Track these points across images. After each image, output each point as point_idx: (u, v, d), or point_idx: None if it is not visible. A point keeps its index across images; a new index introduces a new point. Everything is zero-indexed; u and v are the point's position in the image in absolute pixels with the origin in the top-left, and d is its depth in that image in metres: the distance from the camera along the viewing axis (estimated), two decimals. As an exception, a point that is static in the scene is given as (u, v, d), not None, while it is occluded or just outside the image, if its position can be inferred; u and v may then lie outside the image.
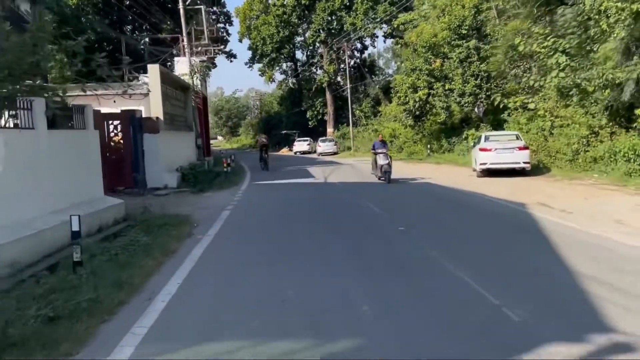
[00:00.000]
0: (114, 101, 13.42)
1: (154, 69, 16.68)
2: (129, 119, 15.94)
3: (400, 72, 38.30)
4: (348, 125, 51.97)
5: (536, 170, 18.83)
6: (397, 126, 37.09)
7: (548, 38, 20.59)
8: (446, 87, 28.49)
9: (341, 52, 52.80)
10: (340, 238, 8.57)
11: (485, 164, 18.40)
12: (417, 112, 30.41)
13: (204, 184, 17.54)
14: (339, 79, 54.52)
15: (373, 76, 58.14)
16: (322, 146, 42.36)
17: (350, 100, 43.21)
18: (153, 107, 16.73)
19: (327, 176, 21.17)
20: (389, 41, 61.10)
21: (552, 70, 20.66)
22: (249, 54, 59.83)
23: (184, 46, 23.87)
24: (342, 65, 54.88)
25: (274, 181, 19.51)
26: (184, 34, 23.95)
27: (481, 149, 18.62)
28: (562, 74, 19.94)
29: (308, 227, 9.88)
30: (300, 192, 15.93)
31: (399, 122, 34.19)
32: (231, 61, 58.36)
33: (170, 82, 19.21)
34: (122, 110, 16.11)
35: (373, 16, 46.24)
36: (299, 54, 65.28)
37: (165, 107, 18.07)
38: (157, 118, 16.56)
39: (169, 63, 28.50)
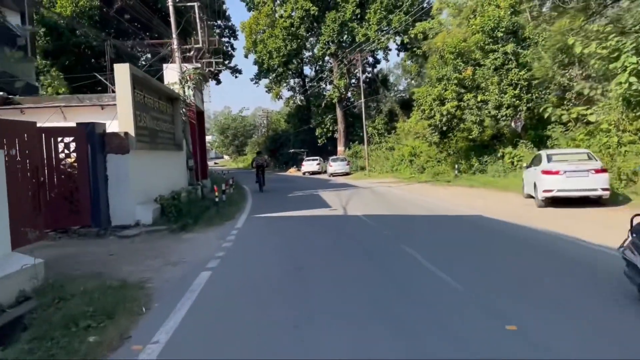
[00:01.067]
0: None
1: (122, 70, 12.56)
2: (86, 134, 11.74)
3: (424, 83, 34.19)
4: (360, 143, 47.87)
5: (611, 197, 14.41)
6: (417, 144, 32.81)
7: (610, 37, 16.45)
8: (478, 99, 24.24)
9: (352, 65, 48.86)
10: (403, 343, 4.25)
11: (551, 190, 14.02)
12: (444, 128, 26.13)
13: (188, 219, 13.27)
14: (349, 94, 50.52)
15: (386, 91, 54.12)
16: (334, 166, 38.10)
17: (364, 115, 39.01)
18: (122, 119, 12.54)
19: (345, 205, 16.83)
20: (400, 57, 57.33)
21: (617, 76, 16.52)
22: (256, 70, 56.34)
23: (173, 50, 19.80)
24: (352, 80, 50.98)
25: (280, 213, 15.18)
26: (174, 36, 19.90)
27: (545, 172, 14.23)
28: (632, 79, 15.78)
29: (336, 311, 5.54)
30: (315, 234, 11.56)
31: (421, 139, 29.88)
32: (236, 76, 54.77)
33: (149, 89, 15.06)
34: (77, 124, 11.93)
35: (386, 27, 42.29)
36: (307, 70, 61.53)
37: (142, 120, 13.90)
38: (126, 134, 12.37)
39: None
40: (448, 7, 34.39)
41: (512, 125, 24.68)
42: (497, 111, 23.55)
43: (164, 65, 20.63)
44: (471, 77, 24.26)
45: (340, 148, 48.72)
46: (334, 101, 48.17)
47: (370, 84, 53.82)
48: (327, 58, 56.53)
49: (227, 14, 52.02)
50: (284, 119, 66.69)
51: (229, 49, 54.02)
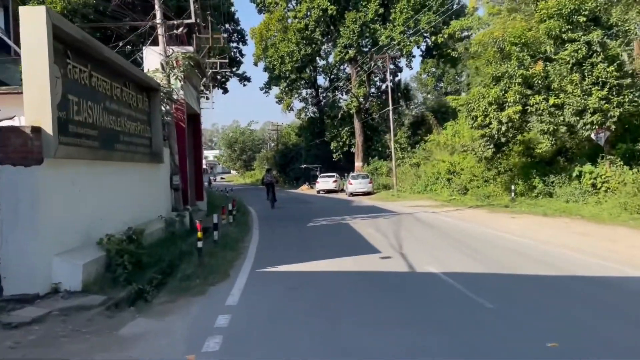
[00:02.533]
0: None
1: (32, 16, 6.92)
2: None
3: (474, 85, 28.50)
4: (381, 158, 42.15)
5: None
6: (457, 159, 26.96)
7: None
8: (550, 102, 18.43)
9: (373, 72, 43.34)
10: None
11: None
12: (503, 139, 20.28)
13: (149, 277, 7.52)
14: (367, 104, 44.88)
15: (408, 102, 48.60)
16: (354, 184, 32.22)
17: (392, 125, 33.17)
18: (29, 102, 6.90)
19: (399, 246, 10.98)
20: (415, 70, 51.80)
21: None
22: (265, 79, 51.14)
23: (156, 25, 14.14)
24: (372, 89, 45.41)
25: (303, 264, 9.27)
26: (158, 11, 14.26)
27: None
28: None
29: None
30: (384, 327, 5.69)
31: (467, 153, 24.01)
32: (244, 84, 49.17)
33: (104, 67, 9.40)
34: None
35: (413, 28, 36.74)
36: (320, 80, 56.11)
37: (82, 110, 8.23)
38: (36, 130, 6.72)
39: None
40: (487, 2, 28.86)
41: (592, 137, 18.83)
42: (577, 118, 17.74)
43: (145, 50, 14.99)
44: (541, 74, 18.49)
45: (357, 164, 42.94)
46: (351, 112, 42.55)
47: (392, 94, 48.24)
48: (343, 66, 51.27)
49: (235, 16, 46.73)
50: (295, 132, 61.15)
51: (237, 55, 48.75)
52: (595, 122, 17.34)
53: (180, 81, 14.57)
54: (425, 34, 37.99)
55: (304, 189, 45.07)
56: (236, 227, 13.90)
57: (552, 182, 20.62)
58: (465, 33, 43.48)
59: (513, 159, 23.37)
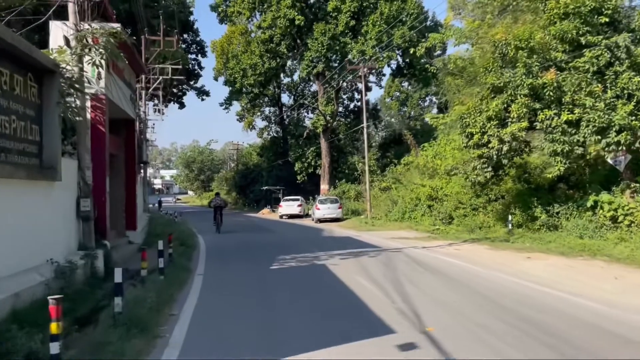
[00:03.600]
0: None
1: None
2: None
3: (452, 105, 25.23)
4: (348, 181, 38.44)
5: None
6: (440, 183, 23.44)
7: None
8: (562, 118, 15.11)
9: (342, 90, 39.96)
10: None
11: None
12: (504, 160, 16.78)
13: None
14: (335, 123, 41.30)
15: (377, 123, 45.41)
16: (322, 209, 28.16)
17: (367, 142, 29.37)
18: None
19: (417, 318, 6.95)
20: (377, 94, 48.92)
21: None
22: (226, 94, 47.02)
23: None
24: (340, 109, 41.91)
25: None
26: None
27: None
28: None
29: None
30: None
31: (460, 176, 20.43)
32: (202, 99, 44.81)
33: None
34: None
35: (385, 43, 33.56)
36: (284, 98, 52.40)
37: None
38: None
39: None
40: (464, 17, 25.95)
41: (609, 160, 15.59)
42: (599, 137, 14.45)
43: (51, 23, 10.62)
44: (554, 84, 15.20)
45: (324, 186, 39.03)
46: (317, 131, 38.77)
47: (358, 114, 44.99)
48: (309, 84, 47.80)
49: (195, 26, 42.64)
50: (257, 152, 56.87)
51: (196, 67, 44.52)
52: (622, 142, 14.06)
53: (99, 68, 10.27)
54: (398, 50, 34.90)
55: (265, 213, 40.74)
56: (170, 274, 9.56)
57: (557, 213, 17.26)
58: (438, 52, 41.00)
59: (506, 185, 20.00)
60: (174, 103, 45.61)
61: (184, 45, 42.79)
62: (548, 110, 15.50)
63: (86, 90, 10.37)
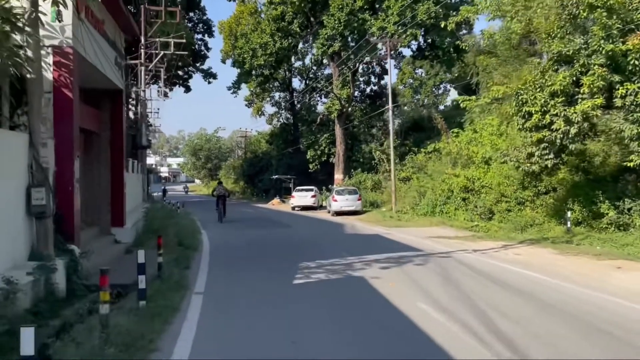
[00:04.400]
0: None
1: None
2: None
3: (484, 87, 22.14)
4: (364, 170, 35.41)
5: None
6: (477, 173, 20.39)
7: None
8: (650, 93, 11.98)
9: (359, 72, 36.86)
10: None
11: None
12: (572, 146, 13.69)
13: None
14: (350, 109, 38.20)
15: (395, 109, 42.21)
16: (339, 201, 25.17)
17: (392, 126, 26.08)
18: None
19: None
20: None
21: None
22: (233, 77, 44.06)
23: None
24: (355, 93, 38.76)
25: None
26: None
27: None
28: None
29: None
30: None
31: (510, 164, 17.29)
32: (209, 82, 41.74)
33: None
34: None
35: (409, 19, 30.31)
36: (295, 83, 49.32)
37: None
38: None
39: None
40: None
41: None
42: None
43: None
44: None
45: (338, 176, 36.01)
46: (332, 116, 35.66)
47: (375, 99, 41.87)
48: (322, 68, 44.70)
49: (201, 4, 39.56)
50: (266, 140, 53.87)
51: (202, 48, 41.46)
52: None
53: (61, 6, 7.28)
54: (421, 27, 31.61)
55: (275, 204, 37.83)
56: (157, 295, 6.67)
57: (630, 210, 14.23)
58: (463, 32, 37.69)
59: (558, 176, 16.94)
60: (179, 86, 42.67)
61: (189, 25, 39.78)
62: (630, 84, 12.40)
63: (45, 41, 7.45)
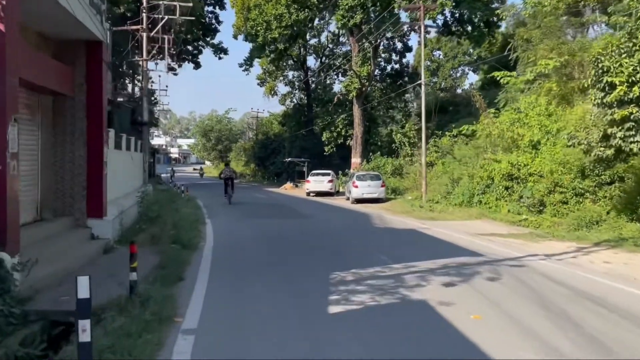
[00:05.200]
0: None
1: None
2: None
3: (523, 63, 19.08)
4: (384, 155, 32.58)
5: None
6: (522, 159, 17.48)
7: None
8: None
9: (379, 48, 33.78)
10: None
11: None
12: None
13: None
14: (370, 88, 35.18)
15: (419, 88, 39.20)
16: (361, 187, 22.40)
17: (424, 102, 22.82)
18: None
19: None
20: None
21: None
22: (245, 53, 41.02)
23: None
24: (376, 71, 35.73)
25: None
26: None
27: None
28: None
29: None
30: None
31: (579, 147, 14.32)
32: (220, 57, 38.77)
33: None
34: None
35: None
36: (310, 61, 46.31)
37: None
38: None
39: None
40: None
41: None
42: None
43: None
44: None
45: (355, 160, 33.17)
46: (350, 95, 32.69)
47: (396, 79, 38.72)
48: (338, 46, 41.73)
49: (212, -26, 36.49)
50: (278, 121, 51.07)
51: (213, 21, 38.47)
52: None
53: None
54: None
55: (288, 188, 35.17)
56: (127, 328, 4.07)
57: None
58: (495, 5, 34.33)
59: (634, 160, 14.01)
60: (188, 62, 39.81)
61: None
62: None
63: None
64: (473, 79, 65.30)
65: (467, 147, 23.37)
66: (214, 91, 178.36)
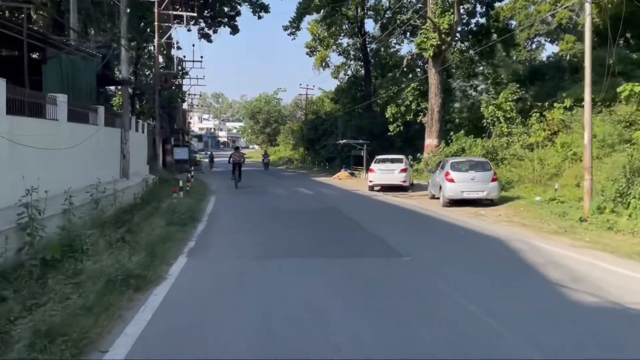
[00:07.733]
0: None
1: None
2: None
3: None
4: (467, 135, 23.66)
5: None
6: None
7: None
8: None
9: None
10: None
11: None
12: None
13: None
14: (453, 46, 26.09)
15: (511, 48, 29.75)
16: (460, 181, 13.82)
17: (589, 42, 13.41)
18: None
19: None
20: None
21: None
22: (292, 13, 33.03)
23: None
24: (465, 19, 26.47)
25: None
26: None
27: None
28: None
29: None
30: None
31: None
32: (260, 17, 30.52)
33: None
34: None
35: None
36: (369, 25, 37.52)
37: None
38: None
39: None
40: None
41: None
42: None
43: None
44: None
45: (430, 141, 24.36)
46: (427, 54, 23.79)
47: (480, 38, 29.23)
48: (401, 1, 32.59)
49: None
50: (330, 97, 42.75)
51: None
52: None
53: None
54: None
55: (343, 178, 26.95)
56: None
57: None
58: None
59: None
60: (224, 26, 32.18)
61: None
62: None
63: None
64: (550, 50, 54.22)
65: (604, 122, 14.29)
66: (265, 75, 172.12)
